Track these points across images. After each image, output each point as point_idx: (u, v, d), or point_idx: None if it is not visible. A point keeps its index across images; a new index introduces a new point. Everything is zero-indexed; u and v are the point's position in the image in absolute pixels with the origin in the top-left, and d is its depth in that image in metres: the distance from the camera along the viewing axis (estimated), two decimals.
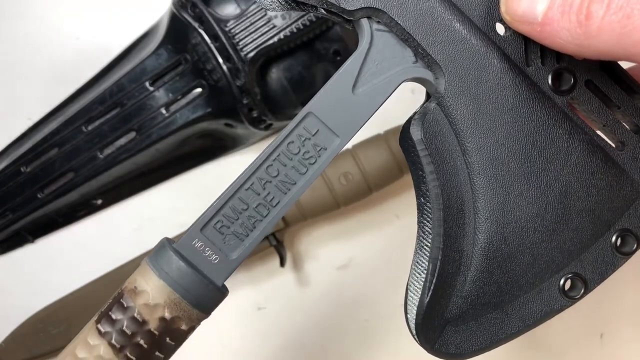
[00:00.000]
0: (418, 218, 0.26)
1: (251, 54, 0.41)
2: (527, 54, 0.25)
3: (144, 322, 0.23)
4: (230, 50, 0.41)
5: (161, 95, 0.43)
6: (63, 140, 0.44)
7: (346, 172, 0.43)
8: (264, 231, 0.25)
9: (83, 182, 0.45)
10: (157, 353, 0.24)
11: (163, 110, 0.43)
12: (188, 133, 0.44)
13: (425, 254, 0.26)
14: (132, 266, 0.44)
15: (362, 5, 0.24)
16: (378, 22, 0.25)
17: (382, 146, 0.43)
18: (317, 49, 0.45)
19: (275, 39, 0.41)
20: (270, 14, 0.41)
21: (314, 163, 0.25)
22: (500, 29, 0.25)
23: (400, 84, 0.25)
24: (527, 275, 0.26)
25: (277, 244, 0.43)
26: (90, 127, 0.44)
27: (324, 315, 0.47)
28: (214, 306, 0.25)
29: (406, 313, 0.27)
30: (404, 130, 0.26)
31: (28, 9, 0.48)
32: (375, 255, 0.47)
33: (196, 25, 0.41)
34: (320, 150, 0.25)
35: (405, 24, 0.24)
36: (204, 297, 0.24)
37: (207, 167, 0.48)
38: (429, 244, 0.25)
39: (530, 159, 0.25)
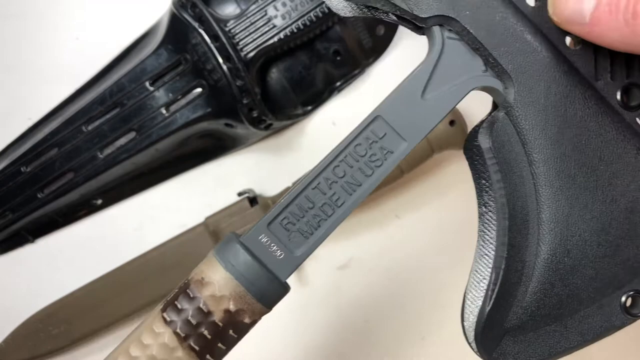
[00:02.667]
0: (479, 227, 0.26)
1: (251, 54, 0.41)
2: (597, 69, 0.25)
3: (209, 313, 0.24)
4: (230, 50, 0.41)
5: (161, 95, 0.43)
6: (63, 140, 0.44)
7: None
8: (328, 230, 0.25)
9: (83, 182, 0.45)
10: (219, 344, 0.24)
11: (163, 110, 0.43)
12: (188, 133, 0.44)
13: (487, 263, 0.26)
14: (132, 266, 0.45)
15: (435, 13, 0.25)
16: (450, 30, 0.25)
17: None
18: (317, 49, 0.45)
19: (276, 39, 0.41)
20: (270, 13, 0.41)
21: (380, 166, 0.25)
22: (570, 42, 0.25)
23: (469, 92, 0.25)
24: (588, 289, 0.26)
25: None
26: (90, 127, 0.44)
27: (323, 315, 0.47)
28: (277, 301, 0.25)
29: (463, 321, 0.26)
30: (470, 138, 0.26)
31: (28, 8, 0.48)
32: (375, 255, 0.47)
33: (196, 25, 0.41)
34: (386, 153, 0.25)
35: (478, 34, 0.25)
36: (268, 291, 0.24)
37: (207, 167, 0.48)
38: (491, 253, 0.25)
39: (597, 173, 0.25)
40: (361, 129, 0.26)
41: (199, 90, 0.43)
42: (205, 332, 0.24)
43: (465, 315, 0.26)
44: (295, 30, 0.41)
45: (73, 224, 0.47)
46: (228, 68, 0.41)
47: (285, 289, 0.25)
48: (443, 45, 0.25)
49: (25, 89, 0.48)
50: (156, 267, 0.44)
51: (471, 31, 0.25)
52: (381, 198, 0.47)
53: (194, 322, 0.24)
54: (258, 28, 0.41)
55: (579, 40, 0.25)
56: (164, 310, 0.24)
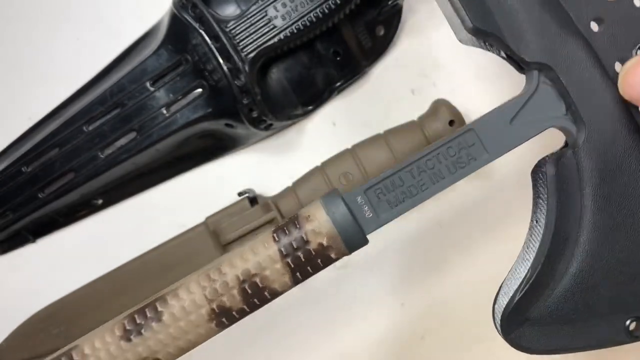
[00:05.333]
0: (527, 236, 0.32)
1: (252, 55, 0.41)
2: None
3: (307, 242, 0.30)
4: (231, 51, 0.41)
5: (162, 95, 0.43)
6: (64, 141, 0.44)
7: (346, 172, 0.43)
8: (410, 205, 0.31)
9: (84, 182, 0.45)
10: (308, 268, 0.30)
11: (163, 111, 0.43)
12: (188, 133, 0.44)
13: (526, 265, 0.31)
14: (132, 266, 0.45)
15: (538, 60, 0.30)
16: (545, 76, 0.31)
17: (382, 146, 0.43)
18: (317, 50, 0.45)
19: (276, 39, 0.41)
20: (270, 14, 0.41)
21: (463, 167, 0.31)
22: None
23: (548, 128, 0.31)
24: (602, 305, 0.31)
25: None
26: (90, 128, 0.44)
27: (323, 314, 0.47)
28: (357, 248, 0.31)
29: (494, 304, 0.32)
30: (539, 165, 0.31)
31: (28, 9, 0.48)
32: (375, 254, 0.47)
33: (197, 25, 0.41)
34: (470, 159, 0.31)
35: (568, 85, 0.30)
36: (353, 238, 0.30)
37: (207, 167, 0.48)
38: (531, 258, 0.31)
39: (634, 217, 0.30)
40: (455, 135, 0.31)
41: (199, 90, 0.43)
42: (301, 255, 0.30)
43: (498, 300, 0.32)
44: (295, 31, 0.42)
45: (74, 224, 0.47)
46: (228, 68, 0.41)
47: (365, 240, 0.31)
48: (537, 86, 0.31)
49: (26, 90, 0.48)
50: (157, 266, 0.44)
51: (563, 82, 0.30)
52: None
53: (295, 245, 0.30)
54: (258, 29, 0.41)
55: None
56: (275, 231, 0.30)
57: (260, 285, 0.30)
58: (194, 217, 0.45)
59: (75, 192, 0.45)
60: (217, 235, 0.43)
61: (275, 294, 0.31)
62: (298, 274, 0.30)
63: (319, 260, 0.30)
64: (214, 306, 0.30)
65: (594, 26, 0.31)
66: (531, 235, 0.32)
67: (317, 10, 0.42)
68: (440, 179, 0.31)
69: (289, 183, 0.45)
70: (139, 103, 0.44)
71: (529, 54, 0.30)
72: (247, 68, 0.41)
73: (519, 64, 0.31)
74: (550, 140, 0.33)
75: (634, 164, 0.30)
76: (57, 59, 0.48)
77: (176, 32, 0.43)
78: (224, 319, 0.31)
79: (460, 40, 0.32)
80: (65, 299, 0.45)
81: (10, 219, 0.45)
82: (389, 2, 0.45)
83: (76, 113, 0.44)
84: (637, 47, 0.31)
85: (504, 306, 0.31)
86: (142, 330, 0.30)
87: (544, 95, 0.31)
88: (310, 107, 0.47)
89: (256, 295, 0.31)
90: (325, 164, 0.43)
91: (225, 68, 0.41)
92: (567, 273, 0.31)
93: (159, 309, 0.31)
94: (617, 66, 0.31)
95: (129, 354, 0.30)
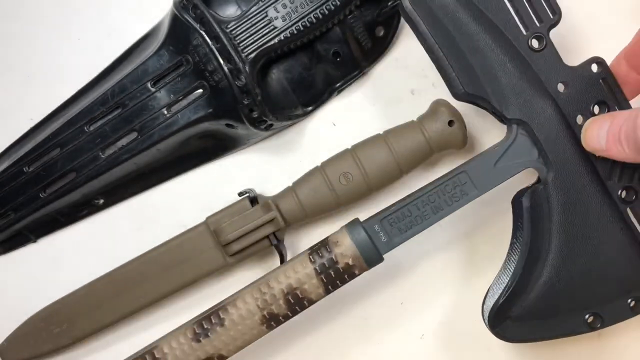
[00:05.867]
0: (508, 251, 0.41)
1: (252, 55, 0.41)
2: (610, 173, 0.39)
3: (336, 262, 0.39)
4: (231, 51, 0.41)
5: (162, 96, 0.44)
6: (65, 141, 0.44)
7: (346, 172, 0.43)
8: (416, 231, 0.39)
9: (85, 182, 0.45)
10: (337, 281, 0.39)
11: (164, 111, 0.44)
12: (189, 133, 0.45)
13: (507, 275, 0.40)
14: (134, 265, 0.45)
15: (517, 117, 0.39)
16: (522, 128, 0.39)
17: (382, 146, 0.43)
18: (318, 50, 0.45)
19: (276, 40, 0.42)
20: (270, 15, 0.41)
21: (457, 201, 0.39)
22: (596, 157, 0.38)
23: (525, 169, 0.39)
24: (566, 305, 0.39)
25: (278, 243, 0.43)
26: (92, 128, 0.44)
27: (323, 313, 0.47)
28: (375, 265, 0.40)
29: (483, 304, 0.41)
30: (518, 196, 0.40)
31: (29, 9, 0.48)
32: None
33: (197, 26, 0.42)
34: (463, 194, 0.39)
35: (540, 137, 0.38)
36: (372, 258, 0.39)
37: (208, 167, 0.48)
38: (511, 269, 0.39)
39: (591, 238, 0.39)
40: (451, 176, 0.39)
41: (200, 91, 0.43)
42: (332, 273, 0.39)
43: (486, 302, 0.40)
44: (295, 32, 0.42)
45: (75, 223, 0.47)
46: (229, 69, 0.41)
47: (381, 259, 0.39)
48: (516, 137, 0.39)
49: (28, 90, 0.48)
50: (157, 266, 0.45)
51: (535, 133, 0.38)
52: (381, 197, 0.47)
53: (327, 265, 0.39)
54: (259, 29, 0.41)
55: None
56: (310, 254, 0.39)
57: (300, 296, 0.39)
58: (195, 217, 0.45)
59: (76, 192, 0.45)
60: (217, 234, 0.43)
61: (311, 302, 0.40)
62: (329, 286, 0.39)
63: (345, 276, 0.39)
64: (265, 313, 0.39)
65: (560, 87, 0.39)
66: (512, 251, 0.40)
67: (317, 11, 0.42)
68: (439, 210, 0.39)
69: (289, 183, 0.45)
70: (140, 103, 0.44)
71: (509, 112, 0.38)
72: (247, 69, 0.41)
73: (501, 118, 0.39)
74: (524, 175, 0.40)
75: (592, 198, 0.39)
76: (59, 59, 0.48)
77: (177, 33, 0.43)
78: (272, 323, 0.39)
79: (454, 96, 0.39)
80: (67, 298, 0.45)
81: (11, 219, 0.46)
82: (389, 3, 0.45)
83: (77, 113, 0.44)
84: (595, 103, 0.39)
85: (490, 307, 0.39)
86: (209, 333, 0.39)
87: (521, 144, 0.39)
88: (311, 108, 0.47)
89: (297, 304, 0.39)
90: (325, 164, 0.44)
91: (225, 69, 0.41)
92: (539, 281, 0.39)
93: (222, 316, 0.39)
94: (579, 119, 0.39)
95: (199, 352, 0.39)
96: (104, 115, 0.44)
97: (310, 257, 0.39)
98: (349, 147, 0.44)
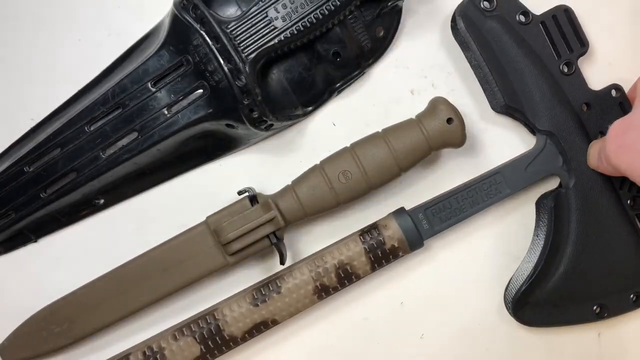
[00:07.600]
0: (530, 245, 0.46)
1: (252, 55, 0.41)
2: (622, 184, 0.46)
3: (383, 243, 0.44)
4: (232, 52, 0.41)
5: (163, 96, 0.44)
6: (66, 141, 0.44)
7: (345, 171, 0.43)
8: (455, 222, 0.45)
9: (85, 182, 0.45)
10: (383, 260, 0.44)
11: (165, 111, 0.44)
12: (189, 133, 0.45)
13: (529, 266, 0.45)
14: (134, 264, 0.45)
15: (546, 129, 0.45)
16: (550, 139, 0.45)
17: (381, 144, 0.43)
18: (318, 50, 0.45)
19: (276, 40, 0.42)
20: (271, 15, 0.41)
21: (492, 197, 0.45)
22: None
23: (550, 174, 0.46)
24: (578, 294, 0.45)
25: (277, 242, 0.43)
26: (92, 128, 0.44)
27: (323, 313, 0.47)
28: (416, 249, 0.45)
29: (505, 291, 0.46)
30: (542, 197, 0.46)
31: (30, 10, 0.48)
32: None
33: (197, 26, 0.42)
34: (497, 192, 0.45)
35: (565, 146, 0.45)
36: (415, 242, 0.44)
37: (208, 167, 0.48)
38: (534, 260, 0.45)
39: (603, 237, 0.45)
40: (487, 175, 0.45)
41: (200, 91, 0.43)
42: (379, 252, 0.44)
43: (508, 290, 0.46)
44: (295, 32, 0.42)
45: (75, 223, 0.48)
46: (229, 69, 0.41)
47: (422, 244, 0.45)
48: (545, 146, 0.45)
49: (28, 90, 0.48)
50: (158, 266, 0.45)
51: (561, 144, 0.45)
52: (381, 194, 0.47)
53: (375, 245, 0.44)
54: (259, 30, 0.41)
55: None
56: (360, 234, 0.44)
57: (350, 271, 0.44)
58: (195, 216, 0.45)
59: (77, 192, 0.46)
60: (217, 234, 0.43)
61: (358, 278, 0.44)
62: (376, 264, 0.44)
63: (390, 256, 0.44)
64: (318, 284, 0.43)
65: (584, 107, 0.46)
66: (533, 245, 0.46)
67: (317, 11, 0.42)
68: (476, 204, 0.45)
69: (289, 183, 0.45)
70: (141, 103, 0.44)
71: (540, 123, 0.45)
72: (247, 69, 0.41)
73: (532, 129, 0.46)
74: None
75: (606, 203, 0.45)
76: (59, 59, 0.48)
77: (177, 33, 0.43)
78: (323, 293, 0.44)
79: (493, 109, 0.46)
80: (67, 297, 0.45)
81: (12, 219, 0.46)
82: (389, 3, 0.45)
83: (78, 113, 0.44)
84: (610, 124, 0.42)
85: (513, 294, 0.45)
86: (266, 299, 0.43)
87: (549, 152, 0.45)
88: (311, 108, 0.47)
89: (346, 277, 0.44)
90: (324, 163, 0.44)
91: (226, 69, 0.41)
92: (557, 273, 0.45)
93: (279, 284, 0.43)
94: (599, 136, 0.45)
95: (255, 315, 0.43)
96: (104, 115, 0.44)
97: (361, 237, 0.44)
98: (348, 145, 0.44)
